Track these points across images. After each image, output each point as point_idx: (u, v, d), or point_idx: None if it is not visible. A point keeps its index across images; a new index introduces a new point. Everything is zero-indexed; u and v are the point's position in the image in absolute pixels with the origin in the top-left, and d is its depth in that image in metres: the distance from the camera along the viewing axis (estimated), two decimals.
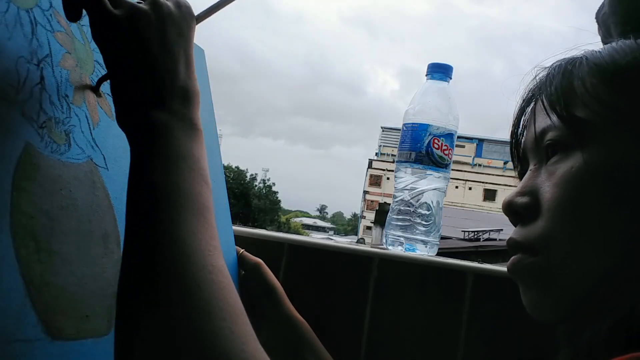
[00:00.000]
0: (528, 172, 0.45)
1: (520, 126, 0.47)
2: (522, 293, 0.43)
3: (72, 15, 0.44)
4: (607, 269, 0.38)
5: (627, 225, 0.38)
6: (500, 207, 0.47)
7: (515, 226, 0.44)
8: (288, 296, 0.71)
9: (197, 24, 0.49)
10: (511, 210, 0.44)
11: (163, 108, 0.44)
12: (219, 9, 0.51)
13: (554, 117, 0.42)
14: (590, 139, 0.39)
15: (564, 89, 0.42)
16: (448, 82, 0.83)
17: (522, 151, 0.47)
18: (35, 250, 0.42)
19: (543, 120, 0.43)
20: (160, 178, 0.41)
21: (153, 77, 0.44)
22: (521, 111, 0.47)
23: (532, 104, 0.46)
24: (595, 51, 0.43)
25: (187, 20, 0.47)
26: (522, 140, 0.47)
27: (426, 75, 0.85)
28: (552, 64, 0.44)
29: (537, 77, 0.45)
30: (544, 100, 0.43)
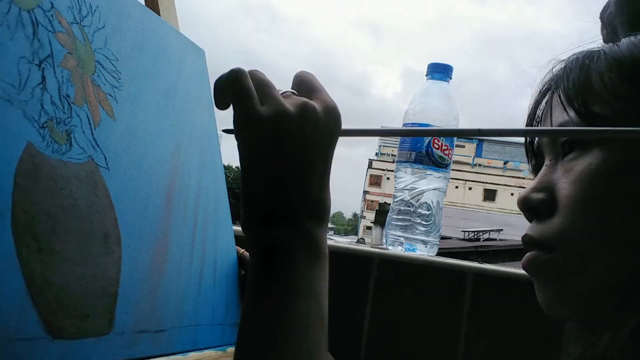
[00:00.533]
0: (543, 168, 0.44)
1: (535, 120, 0.46)
2: (536, 290, 0.43)
3: (221, 105, 0.43)
4: (626, 268, 0.38)
5: None
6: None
7: (531, 222, 0.44)
8: None
9: (341, 136, 0.45)
10: (527, 206, 0.43)
11: (288, 225, 0.41)
12: (366, 135, 0.48)
13: (572, 113, 0.41)
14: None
15: (581, 84, 0.41)
16: (448, 82, 0.84)
17: (537, 146, 0.46)
18: (36, 250, 0.42)
19: (560, 115, 0.42)
20: (274, 314, 0.39)
21: (282, 187, 0.41)
22: (536, 104, 0.46)
23: (547, 97, 0.45)
24: (614, 45, 0.41)
25: (332, 130, 0.43)
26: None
27: (426, 75, 0.85)
28: (569, 57, 0.43)
29: (553, 70, 0.44)
30: (561, 95, 0.42)
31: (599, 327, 0.39)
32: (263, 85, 0.42)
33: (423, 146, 0.80)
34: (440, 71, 0.84)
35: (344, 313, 0.73)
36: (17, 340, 0.40)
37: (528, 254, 0.43)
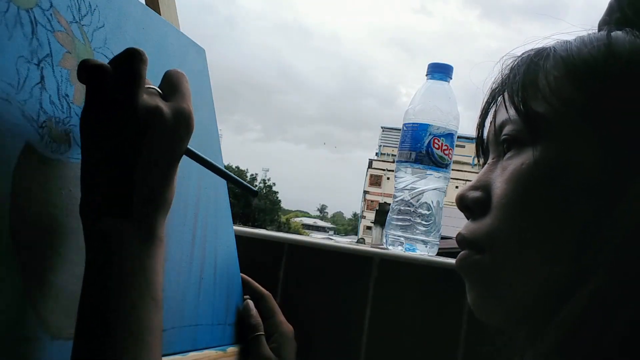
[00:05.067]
0: (485, 166, 0.43)
1: (487, 119, 0.45)
2: (467, 290, 0.42)
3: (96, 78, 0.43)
4: (552, 274, 0.36)
5: (576, 228, 0.35)
6: None
7: (467, 220, 0.43)
8: (288, 296, 0.71)
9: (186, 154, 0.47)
10: (462, 204, 0.43)
11: (117, 214, 0.42)
12: (206, 166, 0.51)
13: (512, 111, 0.40)
14: (544, 135, 0.38)
15: (525, 82, 0.40)
16: (448, 82, 0.83)
17: (486, 145, 0.45)
18: (35, 250, 0.42)
19: (503, 114, 0.41)
20: (103, 296, 0.41)
21: (113, 178, 0.42)
22: (487, 104, 0.44)
23: (498, 97, 0.43)
24: (566, 42, 0.40)
25: (181, 135, 0.45)
26: (486, 134, 0.45)
27: (426, 75, 0.85)
28: (522, 54, 0.42)
29: (506, 67, 0.43)
30: (506, 93, 0.41)
31: (529, 335, 0.37)
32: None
33: (423, 146, 0.80)
34: (440, 71, 0.83)
35: (344, 313, 0.73)
36: (16, 340, 0.40)
37: (461, 253, 0.42)
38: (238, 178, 0.53)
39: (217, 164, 0.52)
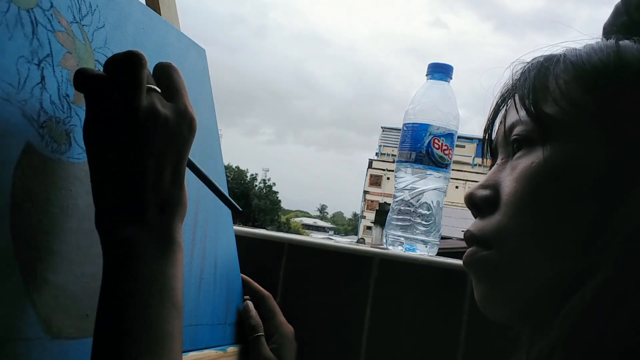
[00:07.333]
0: (494, 166, 0.44)
1: (495, 122, 0.46)
2: (474, 286, 0.43)
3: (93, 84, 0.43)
4: (558, 271, 0.37)
5: (583, 226, 0.36)
6: None
7: (475, 219, 0.44)
8: (288, 296, 0.71)
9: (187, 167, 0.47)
10: (471, 202, 0.44)
11: (134, 221, 0.42)
12: (204, 180, 0.51)
13: (522, 112, 0.41)
14: (554, 136, 0.39)
15: (536, 85, 0.41)
16: (448, 82, 0.83)
17: (494, 146, 0.46)
18: (36, 250, 0.42)
19: (514, 115, 0.42)
20: (124, 303, 0.40)
21: (131, 187, 0.42)
22: (497, 107, 0.46)
23: (508, 100, 0.45)
24: (575, 49, 0.42)
25: (186, 136, 0.45)
26: (495, 136, 0.46)
27: (426, 75, 0.85)
28: (531, 60, 0.43)
29: (516, 72, 0.44)
30: (516, 95, 0.42)
31: (534, 332, 0.38)
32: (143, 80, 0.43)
33: (423, 146, 0.80)
34: (440, 71, 0.83)
35: (344, 313, 0.73)
36: (16, 340, 0.40)
37: (468, 250, 0.43)
38: (227, 196, 0.52)
39: (210, 178, 0.51)
